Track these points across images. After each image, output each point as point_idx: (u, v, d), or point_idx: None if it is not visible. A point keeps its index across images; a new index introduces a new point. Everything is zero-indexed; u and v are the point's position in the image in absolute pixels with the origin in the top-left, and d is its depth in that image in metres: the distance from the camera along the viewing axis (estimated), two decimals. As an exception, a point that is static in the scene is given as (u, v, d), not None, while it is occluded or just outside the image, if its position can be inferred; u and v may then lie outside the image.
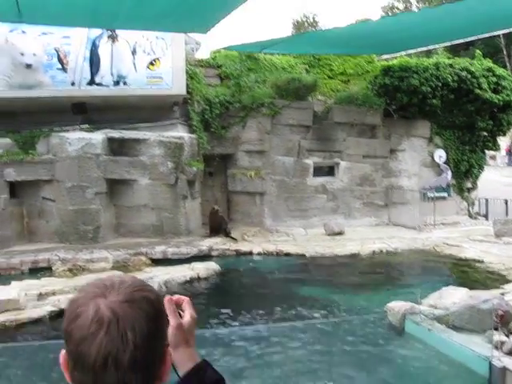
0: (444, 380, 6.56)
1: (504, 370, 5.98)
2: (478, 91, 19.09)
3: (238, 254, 15.09)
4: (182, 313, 1.69)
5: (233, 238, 16.11)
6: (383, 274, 12.89)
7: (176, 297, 1.70)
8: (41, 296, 10.43)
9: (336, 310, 9.93)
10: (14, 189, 15.92)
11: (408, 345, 7.57)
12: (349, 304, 10.29)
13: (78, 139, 15.56)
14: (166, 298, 1.63)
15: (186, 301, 1.70)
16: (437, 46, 21.76)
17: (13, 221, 15.71)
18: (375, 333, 8.14)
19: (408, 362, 7.10)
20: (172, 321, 1.61)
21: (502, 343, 6.49)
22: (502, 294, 9.41)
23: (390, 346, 7.68)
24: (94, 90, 15.77)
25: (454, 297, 8.97)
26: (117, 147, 16.06)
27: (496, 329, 6.89)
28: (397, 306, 8.23)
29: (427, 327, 7.45)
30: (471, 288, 10.08)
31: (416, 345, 7.46)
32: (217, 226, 16.49)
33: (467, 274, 12.66)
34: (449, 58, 20.66)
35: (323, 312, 9.75)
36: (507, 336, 6.84)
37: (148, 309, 1.37)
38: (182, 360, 1.62)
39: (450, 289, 9.82)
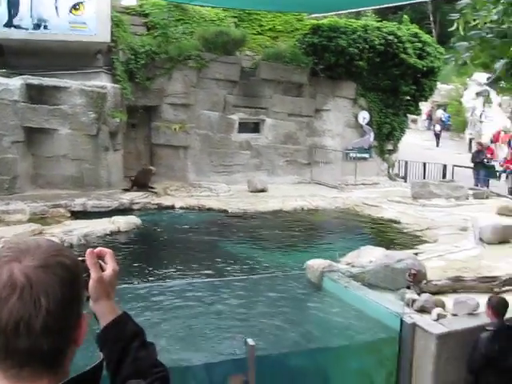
0: (358, 334, 6.77)
1: (414, 325, 6.24)
2: (403, 56, 19.44)
3: (160, 208, 14.96)
4: (104, 265, 1.68)
5: (154, 192, 15.86)
6: (303, 231, 13.10)
7: (98, 249, 1.73)
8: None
9: (256, 266, 10.06)
10: None
11: (325, 301, 7.75)
12: (269, 261, 10.44)
13: (-7, 84, 14.80)
14: (88, 251, 1.67)
15: (108, 253, 1.72)
16: (367, 8, 21.99)
17: None
18: (294, 289, 8.28)
19: (325, 316, 7.28)
20: (93, 274, 1.63)
21: (414, 301, 6.75)
22: (416, 254, 9.80)
23: (309, 301, 7.85)
24: (12, 33, 15.01)
25: (371, 256, 9.21)
26: (36, 94, 15.36)
27: (408, 287, 7.17)
28: (315, 263, 8.37)
29: (344, 284, 7.65)
30: (388, 248, 10.41)
31: (333, 301, 7.65)
32: (142, 183, 16.11)
33: (385, 233, 13.06)
34: (377, 21, 20.84)
35: (244, 268, 9.87)
36: (418, 294, 7.12)
37: (62, 274, 1.33)
38: (103, 312, 1.67)
39: (368, 248, 10.10)
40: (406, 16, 21.81)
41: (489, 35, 5.22)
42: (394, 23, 20.70)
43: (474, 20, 5.26)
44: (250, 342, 5.62)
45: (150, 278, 9.11)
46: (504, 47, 5.08)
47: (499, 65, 5.36)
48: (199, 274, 9.44)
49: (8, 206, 13.52)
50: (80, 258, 1.61)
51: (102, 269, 1.68)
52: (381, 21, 20.68)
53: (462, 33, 5.49)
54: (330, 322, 7.12)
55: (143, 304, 7.12)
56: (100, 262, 1.70)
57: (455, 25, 5.39)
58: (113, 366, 1.68)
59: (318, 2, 16.92)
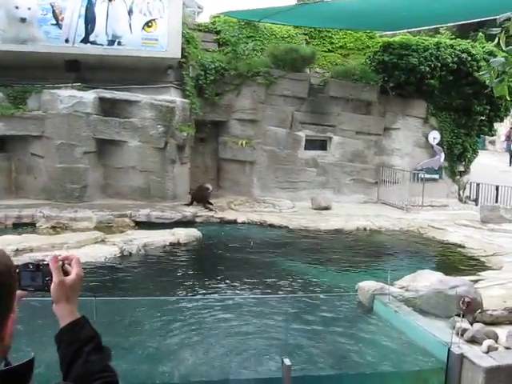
0: (404, 361, 6.60)
1: (461, 356, 6.00)
2: (477, 74, 18.89)
3: (222, 222, 15.11)
4: (70, 270, 1.77)
5: (210, 209, 15.86)
6: (363, 252, 12.89)
7: (65, 255, 1.83)
8: (17, 252, 10.44)
9: (310, 284, 9.97)
10: (3, 143, 15.88)
11: (374, 324, 7.59)
12: (323, 280, 10.31)
13: (69, 97, 15.45)
14: (52, 256, 1.78)
15: (74, 260, 1.81)
16: (443, 25, 21.56)
17: (0, 175, 15.68)
18: (345, 310, 8.17)
19: (371, 340, 7.14)
20: (54, 277, 1.74)
21: (464, 330, 6.51)
22: (476, 281, 9.46)
23: (357, 324, 7.72)
24: (88, 49, 15.61)
25: (427, 280, 8.97)
26: (108, 107, 15.94)
27: (461, 315, 6.91)
28: (367, 285, 8.24)
29: (394, 309, 7.47)
30: (448, 272, 10.07)
31: (382, 325, 7.49)
32: (200, 200, 16.19)
33: (447, 257, 12.67)
34: (451, 39, 20.39)
35: (297, 285, 9.81)
36: (471, 324, 6.86)
37: None
38: (62, 315, 1.76)
39: (426, 272, 9.82)
40: (480, 33, 21.22)
41: None
42: (468, 41, 20.19)
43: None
44: (287, 361, 5.57)
45: (203, 291, 9.20)
46: None
47: None
48: (250, 288, 9.46)
49: (76, 214, 14.03)
50: (44, 262, 1.75)
51: (67, 273, 1.75)
52: (454, 38, 20.20)
53: (503, 47, 5.30)
54: (376, 347, 6.97)
55: (189, 316, 7.21)
56: (67, 266, 1.78)
57: (496, 40, 5.21)
58: (65, 366, 1.75)
59: (391, 20, 16.74)
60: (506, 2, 11.95)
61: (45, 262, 1.74)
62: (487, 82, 5.64)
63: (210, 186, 16.31)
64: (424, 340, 6.64)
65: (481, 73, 5.70)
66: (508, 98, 5.99)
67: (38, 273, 1.77)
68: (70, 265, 1.80)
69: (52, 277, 1.73)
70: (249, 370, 6.02)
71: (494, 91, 5.63)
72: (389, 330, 7.28)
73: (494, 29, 5.52)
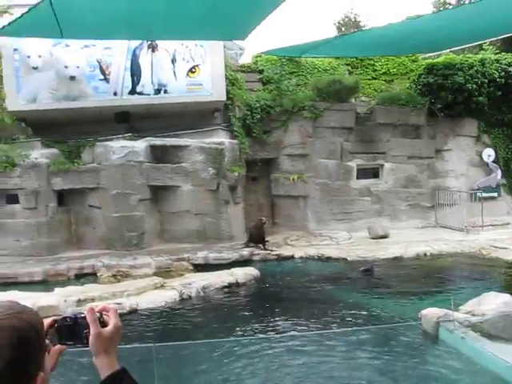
0: (476, 390, 6.39)
1: (535, 381, 5.77)
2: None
3: (280, 258, 15.05)
4: (108, 321, 1.78)
5: (267, 249, 15.63)
6: (425, 278, 12.60)
7: (102, 306, 1.82)
8: (80, 302, 10.64)
9: (372, 316, 9.79)
10: (62, 197, 16.39)
11: (441, 353, 7.39)
12: (385, 310, 10.12)
13: (121, 148, 15.88)
14: (88, 308, 1.78)
15: (111, 310, 1.80)
16: (486, 41, 21.20)
17: (61, 228, 16.17)
18: (409, 340, 7.99)
19: (440, 370, 6.92)
20: (92, 329, 1.73)
21: (536, 353, 6.26)
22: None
23: (423, 354, 7.53)
24: (136, 99, 16.08)
25: (494, 303, 8.67)
26: (159, 154, 16.30)
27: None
28: (431, 312, 8.05)
29: (460, 335, 7.25)
30: (515, 294, 9.74)
31: (449, 353, 7.28)
32: (258, 239, 15.90)
33: (513, 277, 12.28)
34: (496, 53, 20.07)
35: (359, 317, 9.64)
36: (542, 345, 6.59)
37: (12, 336, 1.42)
38: (101, 367, 1.74)
39: (492, 295, 9.47)
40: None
41: None
42: (514, 54, 19.84)
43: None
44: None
45: (261, 330, 9.15)
46: None
47: None
48: (311, 324, 9.35)
49: (135, 261, 14.27)
50: (82, 315, 1.75)
51: (105, 324, 1.76)
52: (499, 53, 19.87)
53: None
54: (447, 376, 6.76)
55: (250, 355, 7.18)
56: (105, 317, 1.79)
57: None
58: None
59: (432, 41, 16.60)
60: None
61: (82, 315, 1.75)
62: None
63: (263, 218, 16.22)
64: (495, 366, 6.42)
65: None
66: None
67: (76, 326, 1.77)
68: (108, 316, 1.81)
69: (90, 329, 1.73)
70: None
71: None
72: (457, 358, 7.07)
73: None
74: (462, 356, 7.00)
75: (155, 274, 13.31)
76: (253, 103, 17.64)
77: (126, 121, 16.49)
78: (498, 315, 7.25)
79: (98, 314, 1.77)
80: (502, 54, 19.76)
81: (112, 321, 1.79)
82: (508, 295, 9.35)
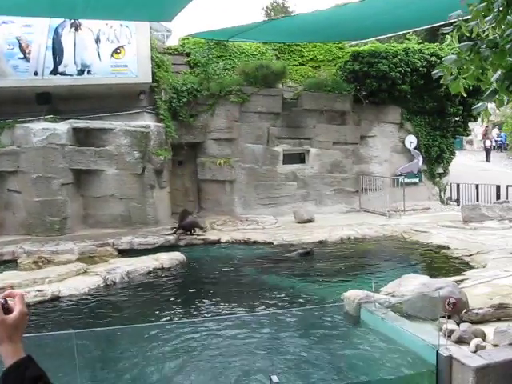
0: (395, 367, 6.53)
1: (450, 358, 5.95)
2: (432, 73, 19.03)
3: (206, 243, 15.02)
4: (13, 307, 1.68)
5: (196, 235, 15.50)
6: (348, 261, 12.85)
7: (6, 292, 1.73)
8: (-2, 290, 10.25)
9: (297, 298, 9.90)
10: (-21, 181, 15.71)
11: (362, 333, 7.55)
12: (309, 293, 10.25)
13: (42, 130, 15.34)
14: None
15: (18, 296, 1.71)
16: (410, 30, 21.77)
17: (-22, 213, 15.52)
18: (332, 322, 8.12)
19: (361, 350, 7.08)
20: None
21: (451, 331, 6.47)
22: (461, 281, 9.44)
23: (345, 334, 7.66)
24: (58, 80, 15.54)
25: (413, 284, 8.92)
26: (82, 137, 15.86)
27: (449, 317, 6.86)
28: (353, 294, 8.20)
29: (380, 316, 7.42)
30: (433, 275, 10.07)
31: (370, 333, 7.44)
32: (187, 228, 15.56)
33: (432, 260, 12.68)
34: (419, 43, 20.60)
35: (284, 300, 9.73)
36: (458, 324, 6.82)
37: None
38: (6, 355, 1.66)
39: (411, 276, 9.75)
40: (448, 35, 21.40)
41: (478, 46, 5.01)
42: (436, 44, 20.39)
43: (471, 33, 5.09)
44: (275, 379, 5.50)
45: (187, 315, 9.09)
46: (497, 58, 4.86)
47: (495, 78, 5.13)
48: (236, 307, 9.37)
49: (58, 247, 13.89)
50: None
51: (10, 311, 1.67)
52: (422, 43, 20.41)
53: (455, 45, 5.33)
54: (366, 355, 6.92)
55: (176, 341, 7.11)
56: (10, 304, 1.69)
57: (448, 38, 5.24)
58: None
59: (358, 30, 16.85)
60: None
61: None
62: (441, 81, 5.66)
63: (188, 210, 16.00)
64: (412, 344, 6.60)
65: (434, 71, 5.72)
66: (464, 95, 6.00)
67: None
68: (14, 302, 1.71)
69: None
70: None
71: (449, 89, 5.65)
72: (377, 338, 7.23)
73: (447, 28, 5.57)
74: (381, 336, 7.17)
75: (78, 260, 13.00)
76: (179, 86, 17.41)
77: (47, 102, 15.91)
78: (417, 296, 7.46)
79: (1, 300, 1.68)
80: (425, 44, 20.32)
81: (18, 307, 1.69)
82: (426, 277, 9.65)
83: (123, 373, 6.55)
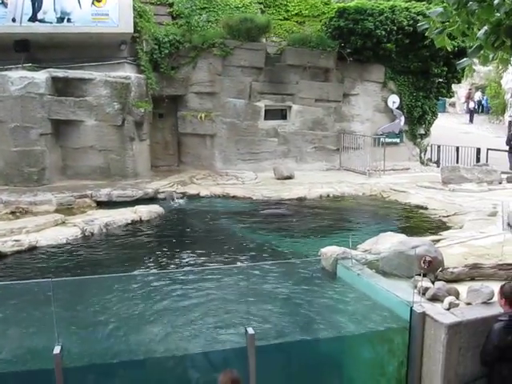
0: (369, 323, 6.63)
1: (424, 315, 6.05)
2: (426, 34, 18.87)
3: (185, 196, 14.97)
4: None
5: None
6: (326, 218, 12.92)
7: None
8: (-25, 239, 10.20)
9: (274, 253, 9.98)
10: (-46, 129, 15.39)
11: (338, 289, 7.62)
12: (287, 248, 10.34)
13: (20, 78, 14.99)
14: None
15: None
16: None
17: (-47, 162, 15.26)
18: (308, 277, 8.18)
19: (335, 304, 7.16)
20: None
21: (426, 289, 6.56)
22: (438, 241, 9.55)
23: (321, 289, 7.73)
24: (37, 27, 15.16)
25: (390, 242, 9.01)
26: (62, 87, 15.55)
27: (424, 275, 6.95)
28: (330, 250, 8.24)
29: (357, 272, 7.50)
30: (411, 234, 10.16)
31: (346, 289, 7.51)
32: None
33: (409, 219, 12.80)
34: (406, 2, 20.34)
35: (261, 255, 9.80)
36: (433, 282, 6.92)
37: None
38: None
39: (388, 234, 9.86)
40: (436, -7, 21.19)
41: (465, 0, 4.94)
42: (423, 3, 20.14)
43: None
44: (250, 331, 5.55)
45: (164, 266, 9.13)
46: (484, 13, 4.80)
47: (481, 33, 5.07)
48: (212, 260, 9.43)
49: (36, 197, 13.76)
50: None
51: None
52: (409, 1, 20.16)
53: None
54: (341, 310, 7.00)
55: (151, 292, 7.14)
56: None
57: None
58: None
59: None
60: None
61: None
62: (426, 33, 5.60)
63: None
64: (387, 301, 6.68)
65: (419, 24, 5.65)
66: (449, 49, 5.94)
67: None
68: None
69: None
70: (213, 341, 5.99)
71: (434, 42, 5.58)
72: (352, 294, 7.32)
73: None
74: (357, 292, 7.25)
75: (56, 211, 12.92)
76: (161, 37, 17.09)
77: (25, 50, 15.53)
78: (393, 253, 7.52)
79: None
80: (412, 2, 20.04)
81: None
82: (403, 235, 9.77)
83: (98, 321, 6.58)
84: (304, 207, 13.95)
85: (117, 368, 5.74)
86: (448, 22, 5.14)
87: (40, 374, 5.57)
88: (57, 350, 5.38)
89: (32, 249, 10.32)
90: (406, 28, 18.75)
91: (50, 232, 11.13)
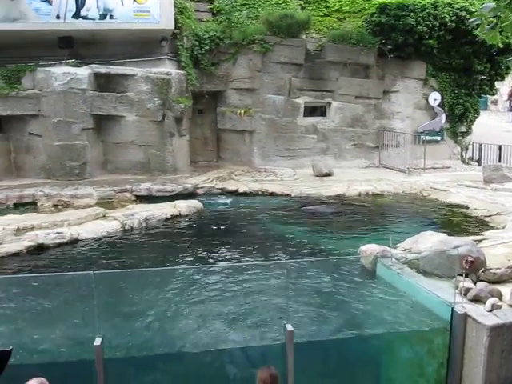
0: (408, 323, 6.57)
1: (465, 316, 5.97)
2: (476, 32, 18.52)
3: (224, 192, 15.04)
4: None
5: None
6: (365, 216, 12.83)
7: None
8: (19, 231, 10.42)
9: (312, 250, 9.94)
10: (1, 124, 15.77)
11: (377, 287, 7.55)
12: (327, 245, 10.29)
13: (63, 74, 15.29)
14: None
15: None
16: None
17: (0, 156, 15.60)
18: (347, 274, 8.12)
19: (374, 303, 7.11)
20: None
21: (468, 290, 6.47)
22: (480, 241, 9.39)
23: (360, 287, 7.68)
24: (80, 24, 15.39)
25: (430, 241, 8.90)
26: (104, 83, 15.78)
27: (466, 275, 6.84)
28: (369, 248, 8.20)
29: (397, 271, 7.42)
30: (451, 233, 10.02)
31: (385, 288, 7.45)
32: None
33: (450, 219, 12.61)
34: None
35: (300, 252, 9.77)
36: (474, 283, 6.82)
37: None
38: None
39: (428, 233, 9.73)
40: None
41: None
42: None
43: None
44: (289, 327, 5.55)
45: (203, 261, 9.18)
46: None
47: None
48: (252, 256, 9.44)
49: (77, 191, 14.01)
50: None
51: None
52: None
53: None
54: (380, 309, 6.94)
55: (191, 286, 7.20)
56: None
57: None
58: None
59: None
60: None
61: None
62: (478, 30, 5.47)
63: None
64: (427, 301, 6.60)
65: (471, 20, 5.51)
66: (500, 45, 5.80)
67: None
68: None
69: None
70: (252, 337, 6.01)
71: (486, 39, 5.45)
72: (392, 293, 7.24)
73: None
74: (397, 291, 7.18)
75: (97, 205, 13.13)
76: (202, 34, 17.17)
77: (69, 46, 15.78)
78: (434, 253, 7.43)
79: None
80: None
81: None
82: (444, 234, 9.64)
83: (139, 314, 6.67)
84: (343, 205, 13.86)
85: (155, 361, 5.81)
86: (500, 17, 5.02)
87: (81, 365, 5.68)
88: (98, 341, 5.48)
89: (73, 241, 10.51)
90: (449, 24, 18.44)
91: (91, 225, 11.31)
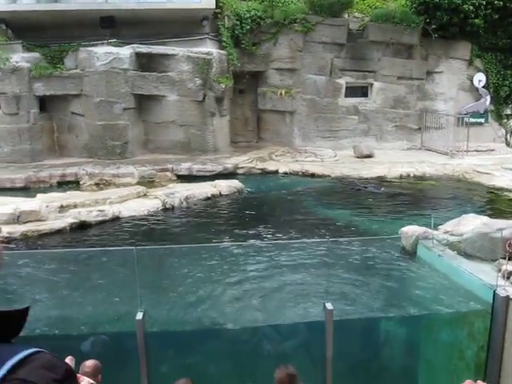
0: (448, 305, 6.50)
1: (507, 299, 5.88)
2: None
3: (264, 172, 15.08)
4: None
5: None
6: (407, 198, 12.69)
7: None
8: (62, 208, 10.63)
9: (352, 231, 9.90)
10: (44, 103, 16.03)
11: (417, 268, 7.50)
12: (367, 226, 10.23)
13: (105, 54, 15.44)
14: None
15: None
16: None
17: (43, 135, 15.94)
18: (388, 255, 8.09)
19: (415, 284, 7.07)
20: None
21: (511, 273, 6.36)
22: (523, 224, 9.19)
23: (400, 268, 7.63)
24: (122, 3, 15.54)
25: (473, 223, 8.75)
26: (145, 62, 15.89)
27: (509, 258, 6.72)
28: (410, 230, 8.12)
29: (438, 253, 7.35)
30: (494, 217, 9.83)
31: (425, 269, 7.39)
32: None
33: (493, 202, 12.39)
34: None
35: (340, 232, 9.74)
36: (517, 266, 6.68)
37: None
38: None
39: (470, 216, 9.55)
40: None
41: None
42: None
43: None
44: (329, 306, 5.56)
45: (243, 239, 9.23)
46: None
47: None
48: (292, 235, 9.45)
49: (119, 170, 14.20)
50: None
51: None
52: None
53: None
54: (420, 291, 6.90)
55: (230, 263, 7.27)
56: None
57: None
58: None
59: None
60: None
61: None
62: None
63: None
64: (469, 283, 6.53)
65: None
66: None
67: None
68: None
69: None
70: (292, 314, 6.04)
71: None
72: (433, 274, 7.19)
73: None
74: (438, 272, 7.11)
75: (138, 184, 13.32)
76: (243, 13, 17.11)
77: (111, 26, 15.93)
78: (477, 235, 7.31)
79: None
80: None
81: None
82: (486, 217, 9.46)
83: (178, 290, 6.76)
84: (384, 186, 13.72)
85: (193, 336, 5.90)
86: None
87: (124, 337, 5.81)
88: (139, 315, 5.59)
89: (115, 219, 10.68)
90: (496, 2, 17.93)
91: (133, 203, 11.47)
